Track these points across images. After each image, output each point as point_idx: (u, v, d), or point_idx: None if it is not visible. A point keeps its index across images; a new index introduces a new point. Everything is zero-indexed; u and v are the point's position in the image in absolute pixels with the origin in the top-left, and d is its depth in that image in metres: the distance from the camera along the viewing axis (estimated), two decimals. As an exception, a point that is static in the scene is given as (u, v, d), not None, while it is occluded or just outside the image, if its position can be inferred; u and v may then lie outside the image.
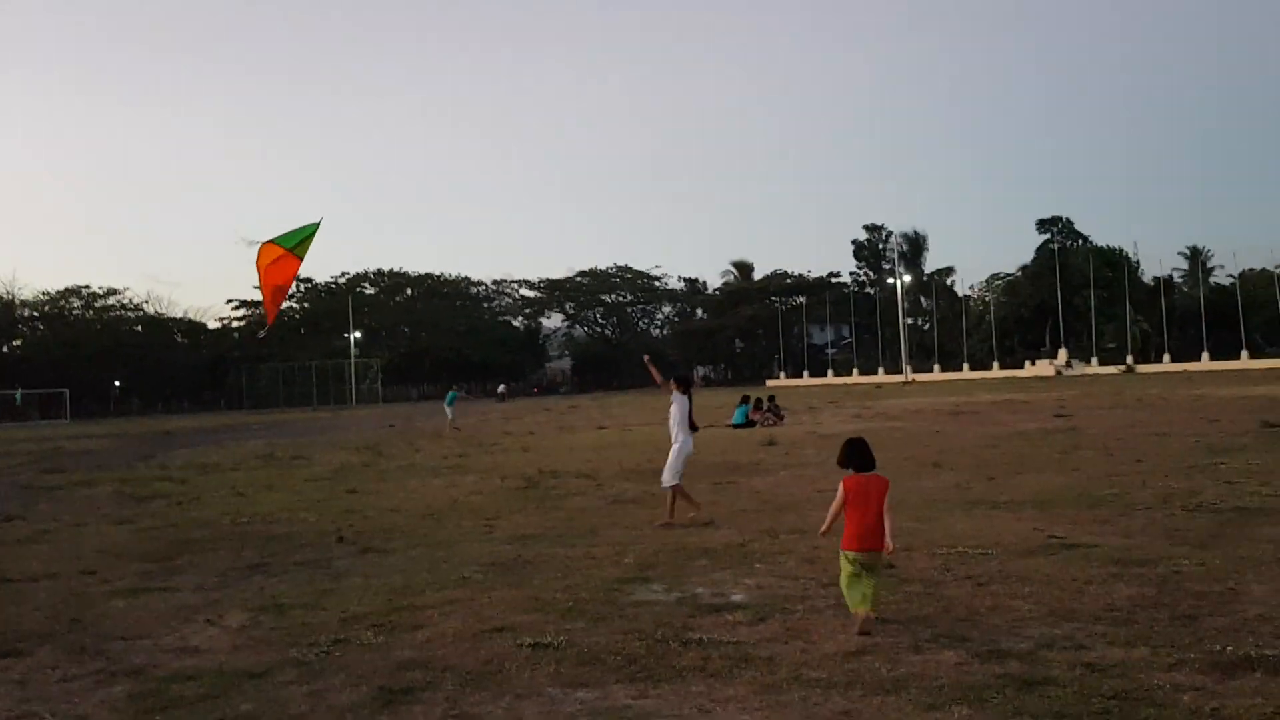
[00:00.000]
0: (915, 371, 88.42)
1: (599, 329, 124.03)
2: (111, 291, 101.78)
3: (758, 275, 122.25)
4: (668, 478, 10.97)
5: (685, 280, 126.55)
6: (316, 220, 12.58)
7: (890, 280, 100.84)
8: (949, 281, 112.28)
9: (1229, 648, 5.28)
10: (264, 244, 12.48)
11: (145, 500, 15.51)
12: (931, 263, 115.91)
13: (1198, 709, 4.42)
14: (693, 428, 11.30)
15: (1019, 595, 6.81)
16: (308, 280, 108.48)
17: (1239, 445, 15.88)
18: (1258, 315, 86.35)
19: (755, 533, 9.91)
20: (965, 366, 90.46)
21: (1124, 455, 15.44)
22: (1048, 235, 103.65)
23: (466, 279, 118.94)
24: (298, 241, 12.52)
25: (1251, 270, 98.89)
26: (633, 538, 10.02)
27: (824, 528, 6.69)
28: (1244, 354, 78.08)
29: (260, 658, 6.03)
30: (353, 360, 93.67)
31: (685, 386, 11.42)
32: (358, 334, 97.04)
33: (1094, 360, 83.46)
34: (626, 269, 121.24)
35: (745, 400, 29.27)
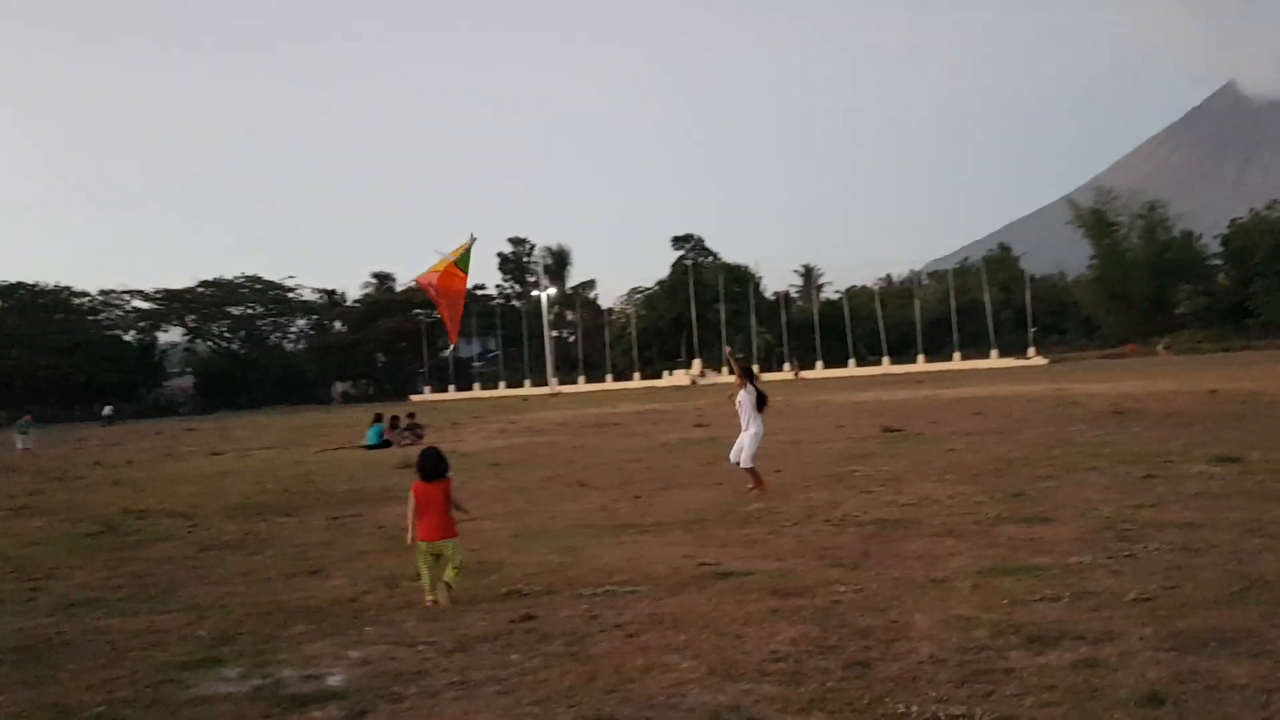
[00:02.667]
0: (561, 383, 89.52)
1: (225, 343, 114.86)
2: None
3: (400, 287, 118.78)
4: (746, 460, 12.55)
5: (322, 292, 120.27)
6: (472, 237, 12.63)
7: (535, 293, 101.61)
8: (592, 295, 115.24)
9: (913, 707, 4.53)
10: (443, 263, 12.68)
11: None
12: (575, 276, 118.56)
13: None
14: (761, 406, 12.85)
15: (676, 647, 5.83)
16: None
17: (866, 451, 16.39)
18: (862, 327, 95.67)
19: (372, 581, 8.37)
20: (609, 377, 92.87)
21: (762, 464, 15.33)
22: (682, 251, 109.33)
23: (68, 289, 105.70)
24: (462, 258, 12.81)
25: (855, 287, 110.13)
26: (218, 597, 8.13)
27: (408, 538, 7.63)
28: (851, 362, 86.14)
29: None
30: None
31: (750, 378, 12.99)
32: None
33: (724, 370, 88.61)
34: (256, 279, 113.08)
35: (378, 419, 27.25)
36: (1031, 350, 78.77)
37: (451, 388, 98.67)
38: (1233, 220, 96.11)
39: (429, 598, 7.34)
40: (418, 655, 6.04)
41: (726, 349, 15.29)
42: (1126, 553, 7.55)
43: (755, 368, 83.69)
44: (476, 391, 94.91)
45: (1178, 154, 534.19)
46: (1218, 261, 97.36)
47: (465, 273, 13.21)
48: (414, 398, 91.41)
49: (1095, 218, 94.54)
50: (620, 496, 12.94)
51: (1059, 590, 6.57)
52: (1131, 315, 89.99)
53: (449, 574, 7.38)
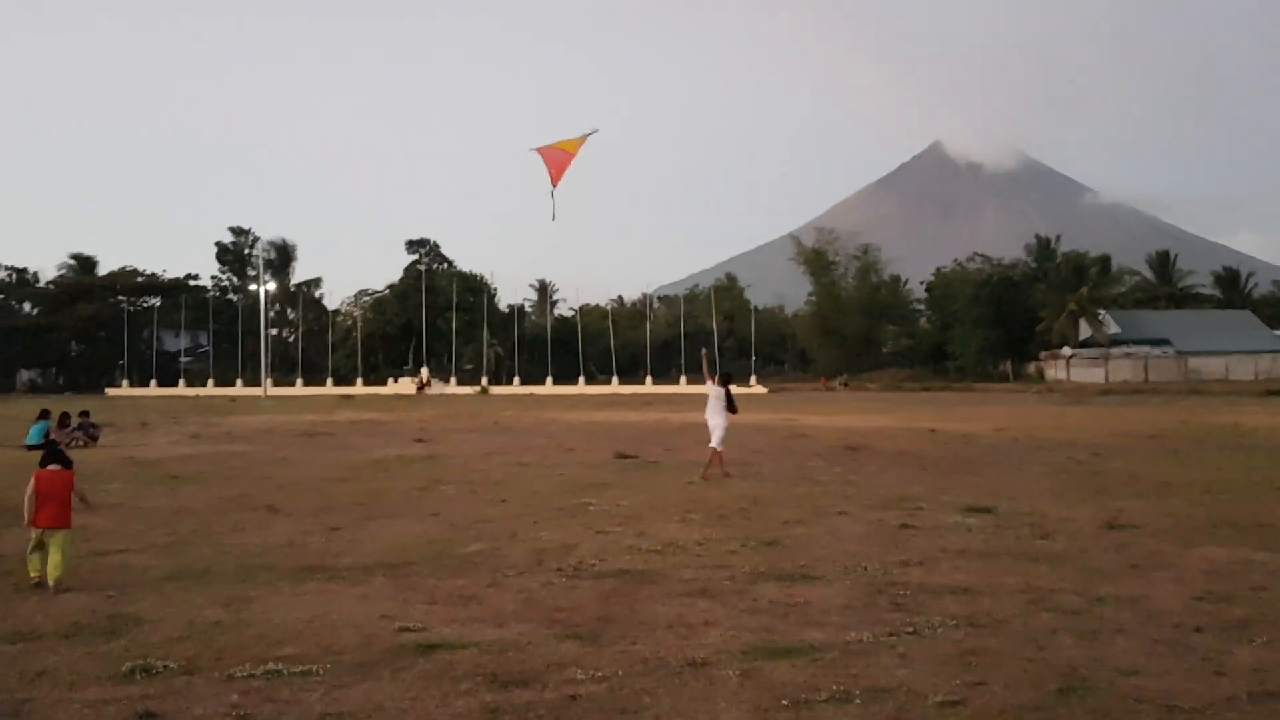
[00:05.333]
0: (277, 385, 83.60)
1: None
2: None
3: (103, 270, 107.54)
4: (716, 441, 14.95)
5: (9, 269, 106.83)
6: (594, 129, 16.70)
7: (254, 287, 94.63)
8: (317, 294, 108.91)
9: None
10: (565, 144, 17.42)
11: None
12: (300, 273, 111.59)
13: None
14: (732, 410, 15.46)
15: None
16: None
17: (600, 480, 15.04)
18: (593, 345, 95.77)
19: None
20: (330, 381, 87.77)
21: (488, 492, 13.71)
22: (416, 256, 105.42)
23: None
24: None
25: (589, 305, 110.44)
26: None
27: (26, 520, 7.85)
28: (581, 380, 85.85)
29: None
30: None
31: (725, 382, 15.81)
32: None
33: (453, 380, 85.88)
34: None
35: (45, 415, 23.25)
36: (753, 379, 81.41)
37: (153, 382, 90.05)
38: (937, 269, 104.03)
39: (33, 574, 7.82)
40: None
41: (702, 350, 18.31)
42: (909, 628, 6.46)
43: (485, 380, 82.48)
44: (181, 389, 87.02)
45: (887, 204, 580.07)
46: (920, 306, 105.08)
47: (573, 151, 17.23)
48: (110, 391, 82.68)
49: (816, 256, 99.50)
50: (315, 527, 10.85)
51: (846, 684, 5.32)
52: (844, 351, 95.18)
53: (52, 568, 7.72)
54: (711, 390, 15.65)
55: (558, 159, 17.39)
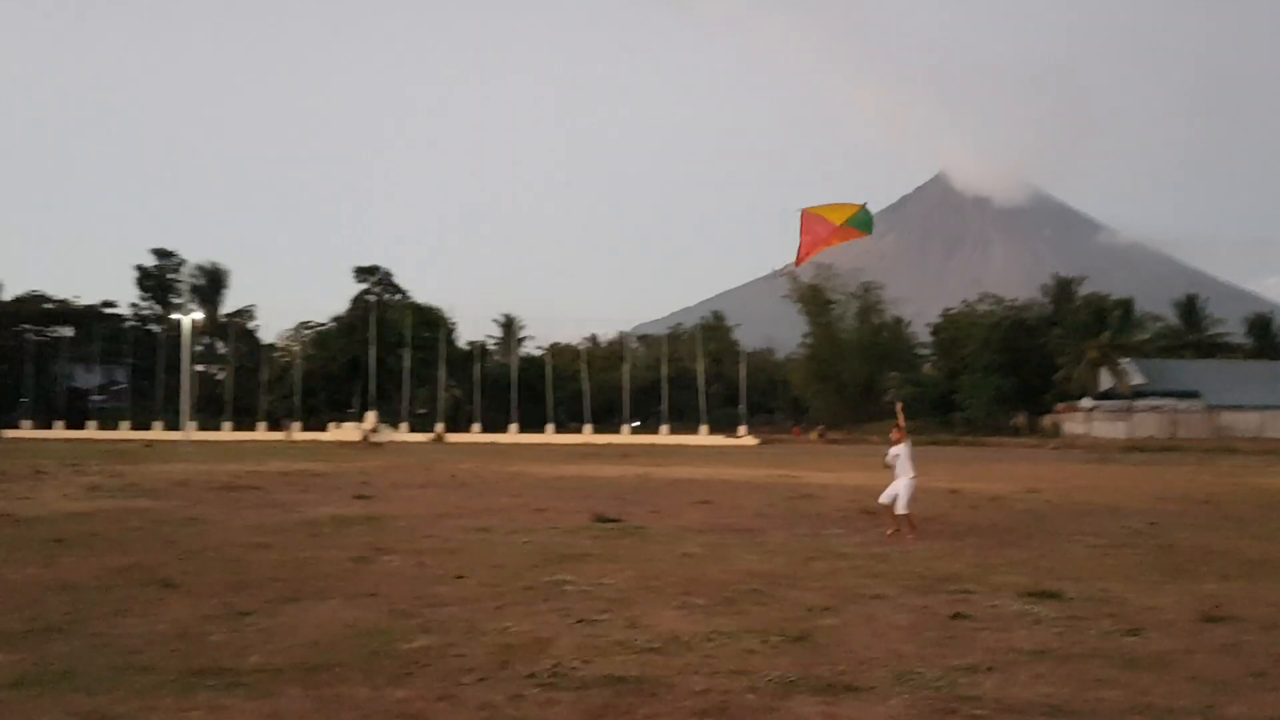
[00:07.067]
0: (202, 429, 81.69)
1: None
2: None
3: (6, 296, 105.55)
4: (902, 506, 15.09)
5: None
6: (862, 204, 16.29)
7: (178, 316, 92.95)
8: (251, 325, 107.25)
9: None
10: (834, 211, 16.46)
11: None
12: (232, 302, 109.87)
13: None
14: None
15: None
16: None
17: (578, 550, 13.75)
18: (564, 388, 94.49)
19: None
20: (263, 425, 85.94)
21: (440, 564, 12.40)
22: (366, 285, 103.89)
23: None
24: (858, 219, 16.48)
25: (559, 344, 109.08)
26: None
27: None
28: (550, 427, 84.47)
29: None
30: None
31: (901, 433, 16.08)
32: None
33: (404, 426, 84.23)
34: None
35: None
36: (742, 428, 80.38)
37: (59, 423, 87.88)
38: (945, 310, 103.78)
39: None
40: None
41: (899, 404, 17.99)
42: (1011, 773, 5.25)
43: (440, 427, 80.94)
44: (91, 431, 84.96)
45: (888, 238, 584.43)
46: (925, 350, 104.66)
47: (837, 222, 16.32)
48: (7, 432, 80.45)
49: (814, 293, 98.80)
50: (219, 610, 9.52)
51: None
52: (843, 399, 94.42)
53: None
54: (901, 449, 15.66)
55: (815, 230, 16.18)
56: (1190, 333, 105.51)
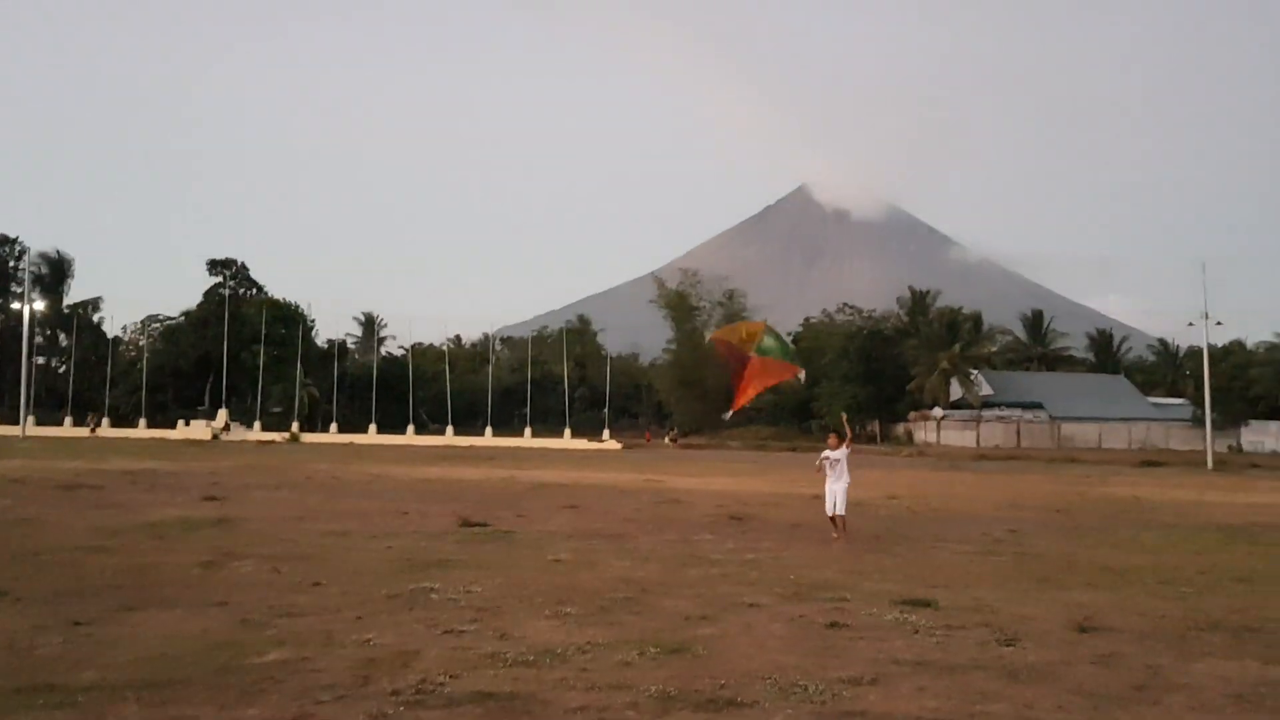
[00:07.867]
0: (40, 424, 77.48)
1: None
2: None
3: None
4: (842, 508, 16.22)
5: None
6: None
7: (18, 306, 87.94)
8: (96, 318, 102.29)
9: None
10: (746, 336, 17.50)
11: None
12: (77, 292, 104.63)
13: None
14: None
15: None
16: None
17: (443, 555, 13.21)
18: (425, 389, 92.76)
19: None
20: (106, 421, 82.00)
21: (296, 571, 11.72)
22: (219, 278, 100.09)
23: None
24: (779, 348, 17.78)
25: (421, 344, 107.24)
26: None
27: None
28: (410, 428, 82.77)
29: None
30: None
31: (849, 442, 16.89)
32: None
33: (257, 425, 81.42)
34: None
35: None
36: (606, 433, 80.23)
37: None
38: (806, 319, 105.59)
39: None
40: None
41: (843, 414, 20.80)
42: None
43: (296, 426, 78.45)
44: (-82, 426, 79.80)
45: (751, 248, 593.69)
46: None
47: (788, 362, 18.04)
48: None
49: (679, 299, 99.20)
50: (52, 619, 8.74)
51: None
52: (705, 405, 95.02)
53: None
54: (840, 453, 16.38)
55: (743, 373, 17.18)
56: (1035, 346, 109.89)
